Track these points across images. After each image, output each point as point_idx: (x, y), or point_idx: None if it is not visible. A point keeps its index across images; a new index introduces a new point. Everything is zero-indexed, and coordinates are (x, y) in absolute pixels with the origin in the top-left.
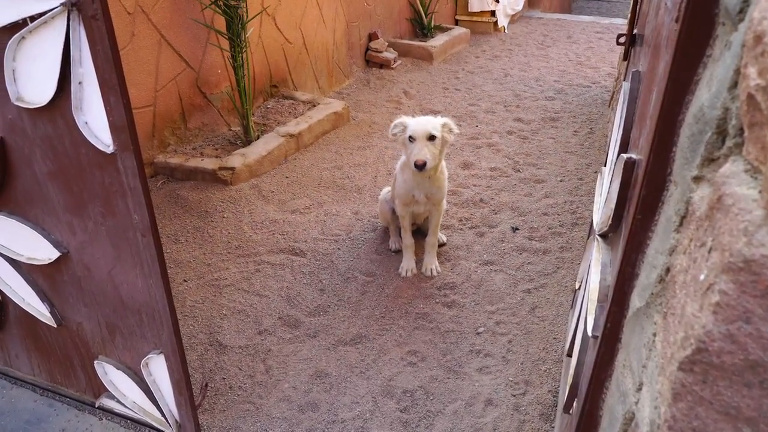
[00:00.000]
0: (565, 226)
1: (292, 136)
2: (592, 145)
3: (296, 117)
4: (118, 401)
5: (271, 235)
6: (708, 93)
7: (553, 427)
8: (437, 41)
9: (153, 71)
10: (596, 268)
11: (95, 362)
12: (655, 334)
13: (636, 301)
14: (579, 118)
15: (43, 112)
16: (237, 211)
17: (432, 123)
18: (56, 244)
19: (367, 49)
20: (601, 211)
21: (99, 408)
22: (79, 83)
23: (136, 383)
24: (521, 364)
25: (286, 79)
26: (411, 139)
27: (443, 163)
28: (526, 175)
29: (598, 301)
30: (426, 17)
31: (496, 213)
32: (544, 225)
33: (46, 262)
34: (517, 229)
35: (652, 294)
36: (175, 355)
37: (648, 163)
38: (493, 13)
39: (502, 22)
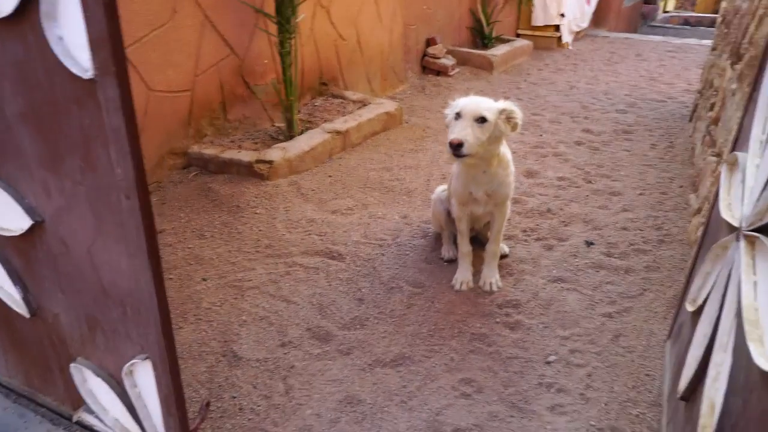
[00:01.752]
0: (650, 243)
1: (338, 133)
2: (674, 159)
3: (345, 116)
4: (97, 417)
5: (307, 236)
6: None
7: None
8: (498, 51)
9: (194, 54)
10: (749, 278)
11: (72, 365)
12: None
13: None
14: (656, 131)
15: (10, 27)
16: (271, 208)
17: (487, 104)
18: (29, 211)
19: (424, 54)
20: (750, 203)
21: (77, 423)
22: None
23: (118, 395)
24: (605, 404)
25: (337, 77)
26: (458, 116)
27: (507, 154)
28: (600, 187)
29: None
30: (487, 27)
31: (566, 225)
32: (624, 241)
33: (18, 233)
34: (592, 243)
35: None
36: (164, 363)
37: None
38: (557, 27)
39: (567, 38)
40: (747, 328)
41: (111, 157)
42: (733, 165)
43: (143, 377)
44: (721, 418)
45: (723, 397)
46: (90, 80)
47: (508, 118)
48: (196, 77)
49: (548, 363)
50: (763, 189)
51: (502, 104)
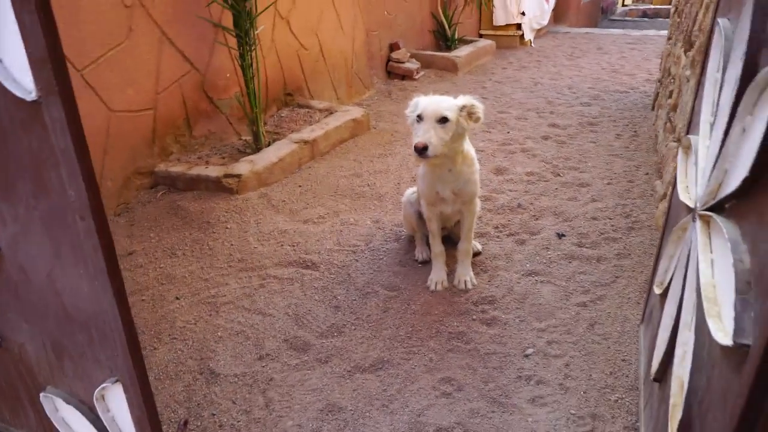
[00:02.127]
0: (620, 230)
1: (306, 142)
2: (639, 147)
3: (312, 125)
4: None
5: (280, 247)
6: None
7: None
8: (462, 52)
9: (153, 71)
10: (706, 256)
11: (42, 395)
12: None
13: None
14: (620, 122)
15: None
16: (242, 222)
17: (446, 103)
18: None
19: (389, 59)
20: (703, 183)
21: None
22: None
23: (92, 422)
24: (584, 393)
25: (302, 87)
26: (419, 118)
27: (471, 151)
28: (568, 179)
29: (738, 293)
30: (449, 29)
31: (537, 219)
32: (594, 230)
33: None
34: (564, 235)
35: None
36: (135, 384)
37: None
38: (518, 26)
39: (528, 35)
40: (706, 305)
41: (62, 179)
42: (688, 148)
43: (115, 401)
44: (687, 396)
45: (688, 376)
46: (34, 102)
47: (470, 113)
48: (157, 95)
49: (526, 356)
50: (713, 169)
51: (462, 100)
